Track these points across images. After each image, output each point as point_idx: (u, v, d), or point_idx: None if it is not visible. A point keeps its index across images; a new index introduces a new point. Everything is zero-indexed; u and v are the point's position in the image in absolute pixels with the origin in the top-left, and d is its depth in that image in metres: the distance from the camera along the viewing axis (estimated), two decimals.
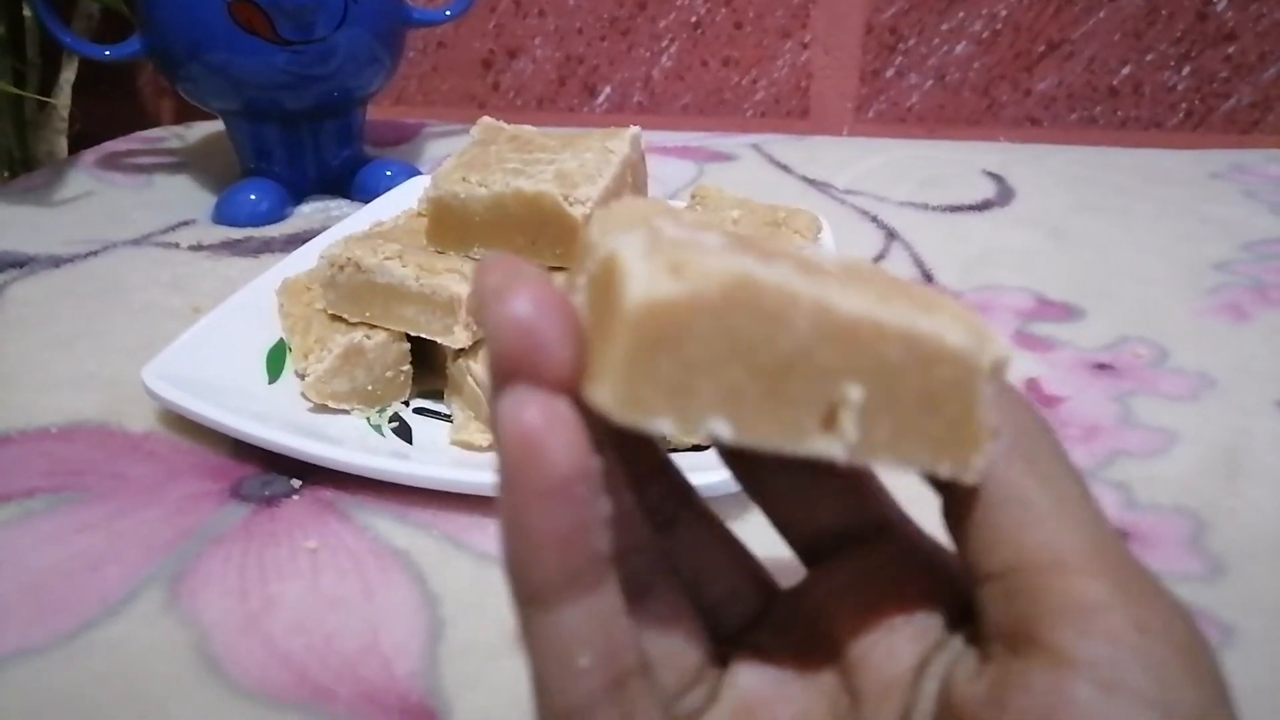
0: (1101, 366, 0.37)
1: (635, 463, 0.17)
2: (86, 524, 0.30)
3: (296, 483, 0.32)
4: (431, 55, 0.71)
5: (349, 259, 0.34)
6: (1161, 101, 0.67)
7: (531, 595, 0.13)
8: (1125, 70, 0.67)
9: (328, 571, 0.28)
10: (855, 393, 0.13)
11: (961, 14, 0.67)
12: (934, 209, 0.52)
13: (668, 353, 0.12)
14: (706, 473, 0.22)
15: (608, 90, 0.72)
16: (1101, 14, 0.66)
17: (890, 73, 0.69)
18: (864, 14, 0.68)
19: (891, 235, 0.49)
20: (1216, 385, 0.36)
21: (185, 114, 0.70)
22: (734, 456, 0.18)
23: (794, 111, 0.71)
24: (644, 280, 0.12)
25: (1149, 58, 0.66)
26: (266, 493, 0.31)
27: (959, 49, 0.68)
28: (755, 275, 0.12)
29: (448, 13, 0.55)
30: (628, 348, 0.12)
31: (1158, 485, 0.31)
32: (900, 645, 0.16)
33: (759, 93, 0.71)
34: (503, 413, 0.13)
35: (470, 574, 0.28)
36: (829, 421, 0.13)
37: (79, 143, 0.64)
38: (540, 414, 0.12)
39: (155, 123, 0.71)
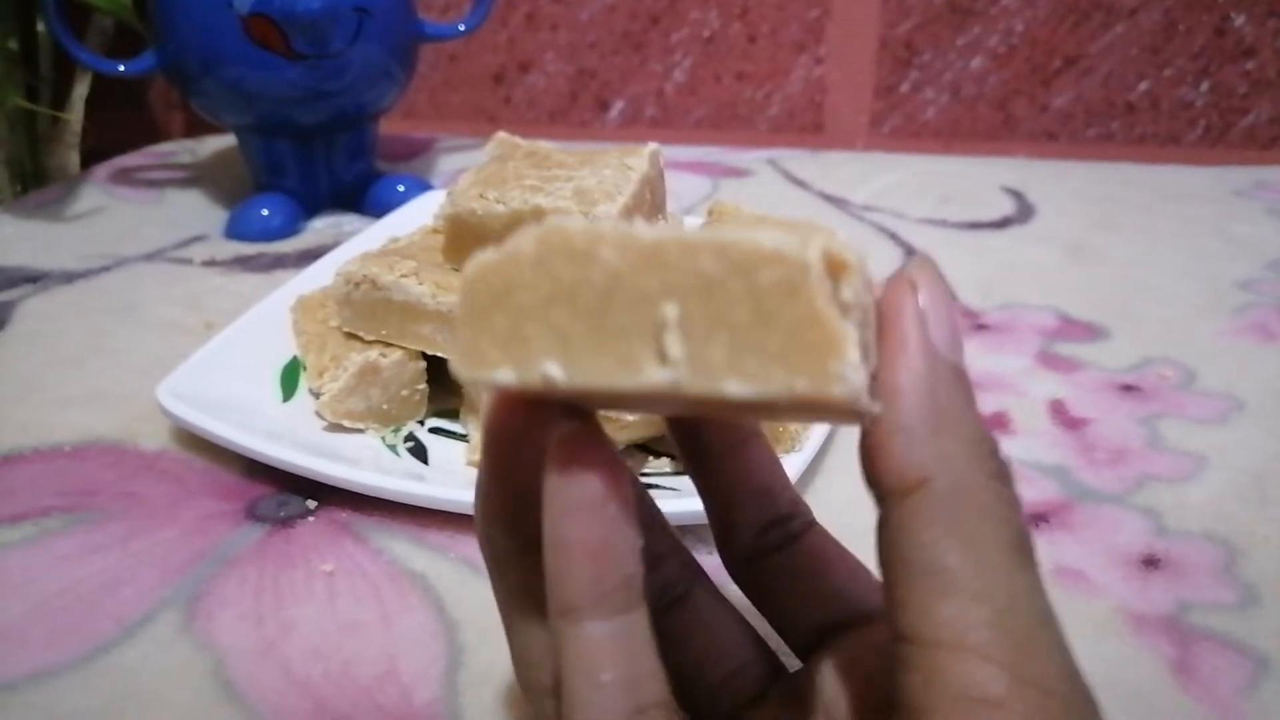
0: (1128, 388, 0.37)
1: (651, 538, 0.17)
2: (101, 545, 0.29)
3: (312, 503, 0.31)
4: (443, 69, 0.71)
5: (365, 276, 0.34)
6: (1179, 117, 0.67)
7: (564, 608, 0.14)
8: (1143, 86, 0.67)
9: (344, 595, 0.27)
10: (671, 311, 0.12)
11: (977, 29, 0.67)
12: (953, 226, 0.52)
13: (498, 307, 0.13)
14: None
15: (620, 104, 0.72)
16: (1119, 29, 0.65)
17: (905, 87, 0.69)
18: (878, 28, 0.67)
19: (910, 252, 0.49)
20: (1245, 408, 0.35)
21: (196, 128, 0.70)
22: (740, 569, 0.19)
23: (808, 126, 0.71)
24: (479, 255, 0.14)
25: (1167, 73, 0.66)
26: (282, 514, 0.31)
27: (974, 64, 0.68)
28: (564, 223, 0.13)
29: (461, 27, 0.55)
30: (465, 310, 0.14)
31: (1188, 511, 0.30)
32: None
33: (773, 107, 0.71)
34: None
35: (489, 599, 0.27)
36: (660, 352, 0.13)
37: (91, 157, 0.64)
38: (577, 440, 0.14)
39: (166, 136, 0.71)
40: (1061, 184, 0.57)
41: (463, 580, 0.28)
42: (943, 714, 0.12)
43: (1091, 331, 0.41)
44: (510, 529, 0.16)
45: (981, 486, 0.13)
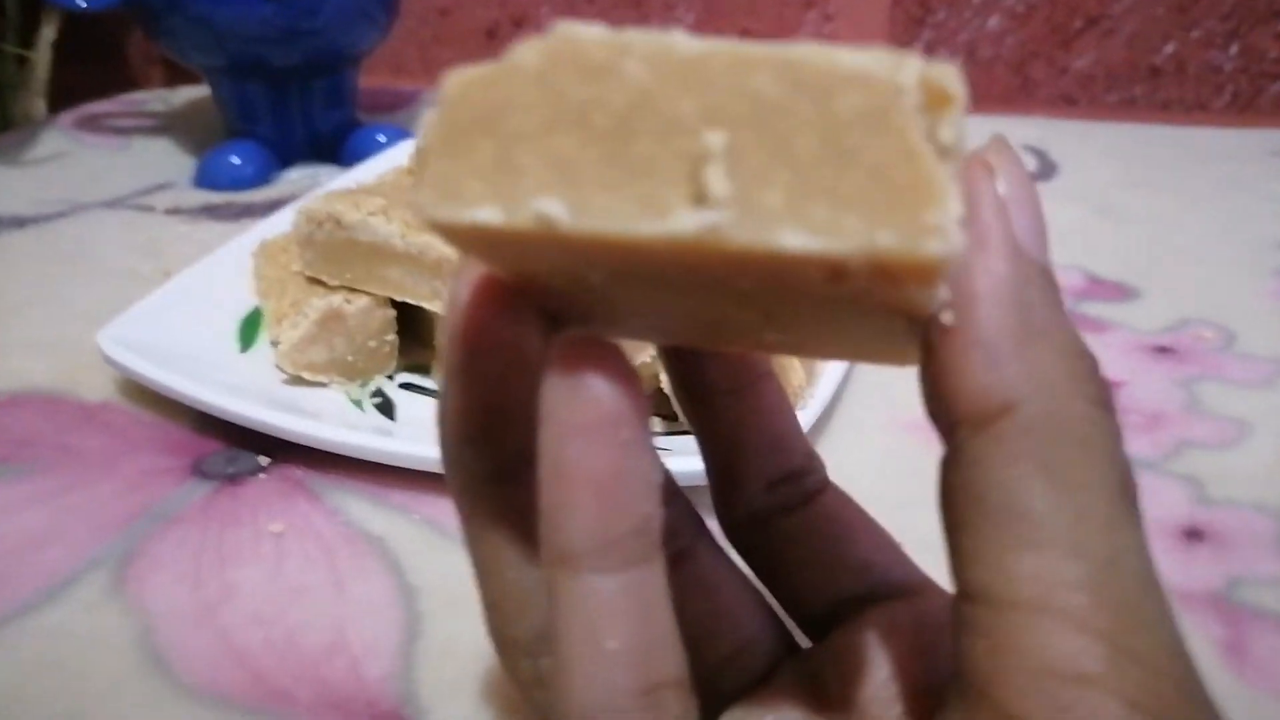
0: (1162, 350, 0.34)
1: None
2: (30, 498, 0.27)
3: (264, 460, 0.28)
4: (433, 24, 0.68)
5: (329, 214, 0.31)
6: (1207, 82, 0.64)
7: (562, 554, 0.11)
8: (1169, 48, 0.63)
9: (293, 558, 0.25)
10: (717, 140, 0.09)
11: None
12: None
13: (485, 132, 0.10)
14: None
15: None
16: None
17: (918, 47, 0.66)
18: None
19: None
20: None
21: (175, 80, 0.67)
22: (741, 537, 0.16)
23: None
24: (464, 68, 0.10)
25: (1194, 35, 0.63)
26: (230, 470, 0.28)
27: (991, 23, 0.64)
28: (578, 31, 0.10)
29: None
30: (440, 134, 0.10)
31: (1232, 480, 0.27)
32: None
33: None
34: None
35: (454, 564, 0.24)
36: (699, 191, 0.10)
37: (62, 109, 0.60)
38: (584, 344, 0.11)
39: (143, 89, 0.68)
40: (1085, 143, 0.54)
41: (426, 543, 0.25)
42: (1018, 690, 0.10)
43: (1122, 291, 0.38)
44: (484, 451, 0.13)
45: (1080, 414, 0.11)
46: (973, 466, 0.11)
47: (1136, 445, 0.29)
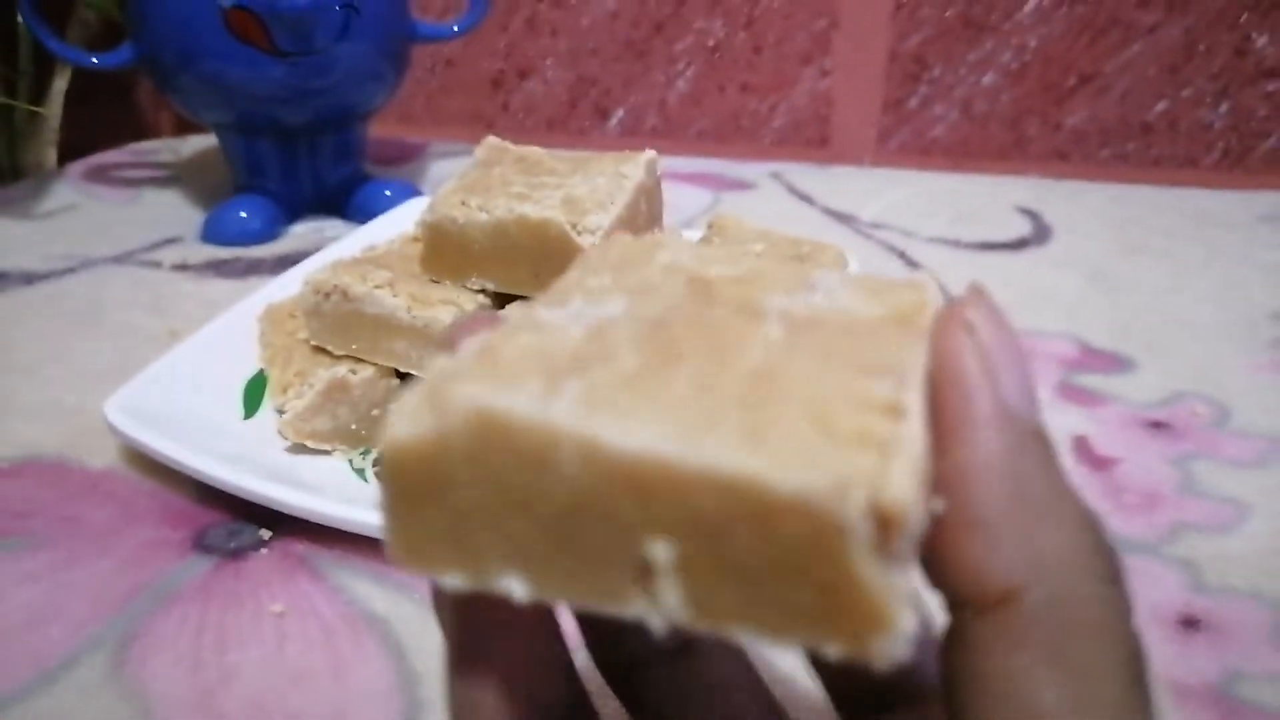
0: (1157, 425, 0.34)
1: None
2: (29, 574, 0.27)
3: (266, 533, 0.28)
4: (440, 74, 0.69)
5: (335, 286, 0.31)
6: (1198, 139, 0.65)
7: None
8: (1160, 106, 0.64)
9: (294, 640, 0.25)
10: (663, 552, 0.10)
11: (990, 44, 0.65)
12: (966, 246, 0.49)
13: (433, 502, 0.10)
14: None
15: (621, 113, 0.69)
16: (1136, 47, 0.63)
17: (914, 102, 0.67)
18: (888, 41, 0.65)
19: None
20: None
21: (185, 127, 0.68)
22: None
23: (813, 140, 0.69)
24: (402, 416, 0.10)
25: (1185, 93, 0.64)
26: (232, 545, 0.28)
27: (986, 80, 0.66)
28: (500, 408, 0.10)
29: (455, 28, 0.53)
30: (389, 496, 0.11)
31: (1229, 565, 0.27)
32: None
33: (778, 119, 0.69)
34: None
35: None
36: (651, 591, 0.10)
37: (72, 156, 0.61)
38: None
39: (153, 136, 0.69)
40: (1079, 205, 0.55)
41: (428, 626, 0.25)
42: None
43: (1116, 362, 0.38)
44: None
45: (1088, 595, 0.10)
46: (977, 651, 0.10)
47: (1132, 527, 0.29)
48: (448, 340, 0.12)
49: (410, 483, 0.10)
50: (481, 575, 0.10)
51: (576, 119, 0.70)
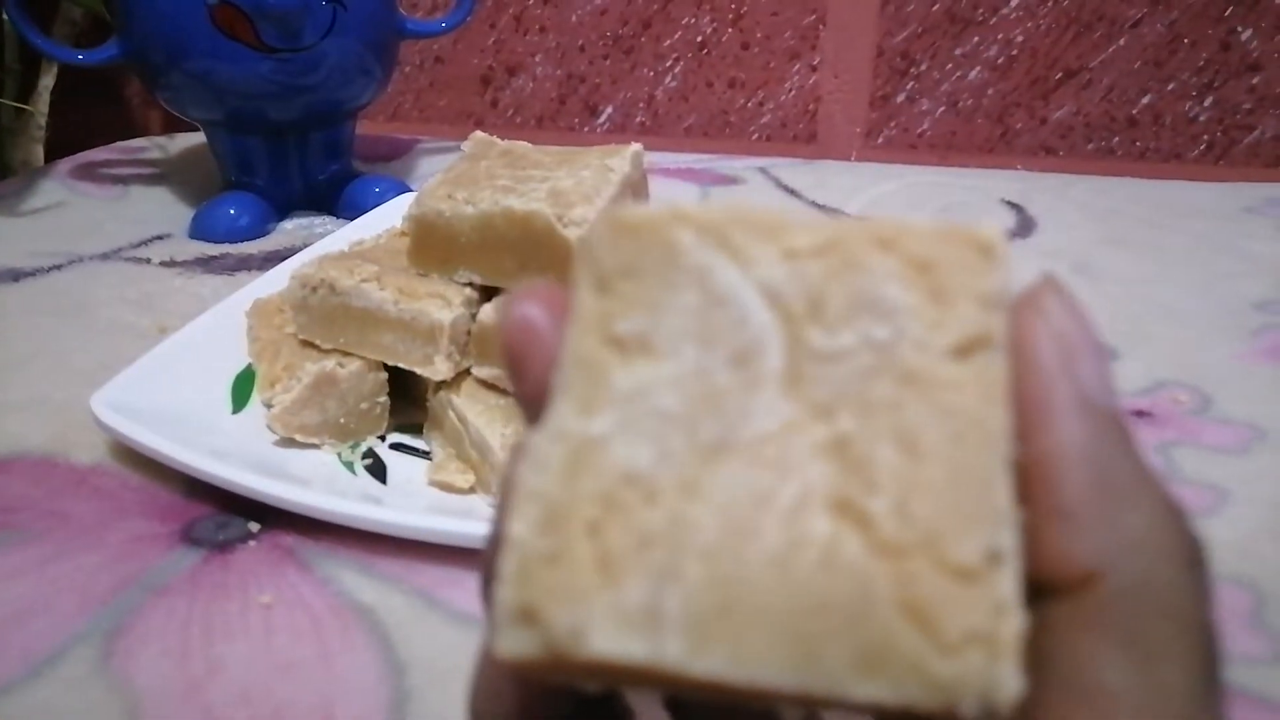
0: (1140, 414, 0.34)
1: None
2: (17, 569, 0.27)
3: (255, 526, 0.28)
4: (429, 71, 0.69)
5: (322, 280, 0.31)
6: (1182, 133, 0.65)
7: None
8: (1145, 100, 0.65)
9: (282, 631, 0.25)
10: None
11: (976, 39, 0.65)
12: None
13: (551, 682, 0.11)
14: None
15: (609, 110, 0.70)
16: (1122, 41, 0.64)
17: (901, 98, 0.67)
18: (875, 37, 0.66)
19: None
20: (1267, 437, 0.33)
21: (174, 125, 0.67)
22: None
23: (800, 136, 0.69)
24: (503, 630, 0.10)
25: (1170, 87, 0.64)
26: (220, 537, 0.28)
27: (973, 75, 0.66)
28: (613, 653, 0.10)
29: (443, 24, 0.53)
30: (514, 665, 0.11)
31: (1210, 550, 0.28)
32: None
33: (765, 115, 0.69)
34: None
35: (444, 638, 0.25)
36: None
37: (60, 153, 0.61)
38: None
39: (142, 133, 0.69)
40: (1064, 198, 0.55)
41: (416, 615, 0.25)
42: None
43: None
44: None
45: (1167, 581, 0.10)
46: (1048, 632, 0.10)
47: None
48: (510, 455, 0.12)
49: (527, 674, 0.11)
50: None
51: (565, 115, 0.70)
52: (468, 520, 0.27)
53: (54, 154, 0.61)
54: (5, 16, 0.59)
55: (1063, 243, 0.49)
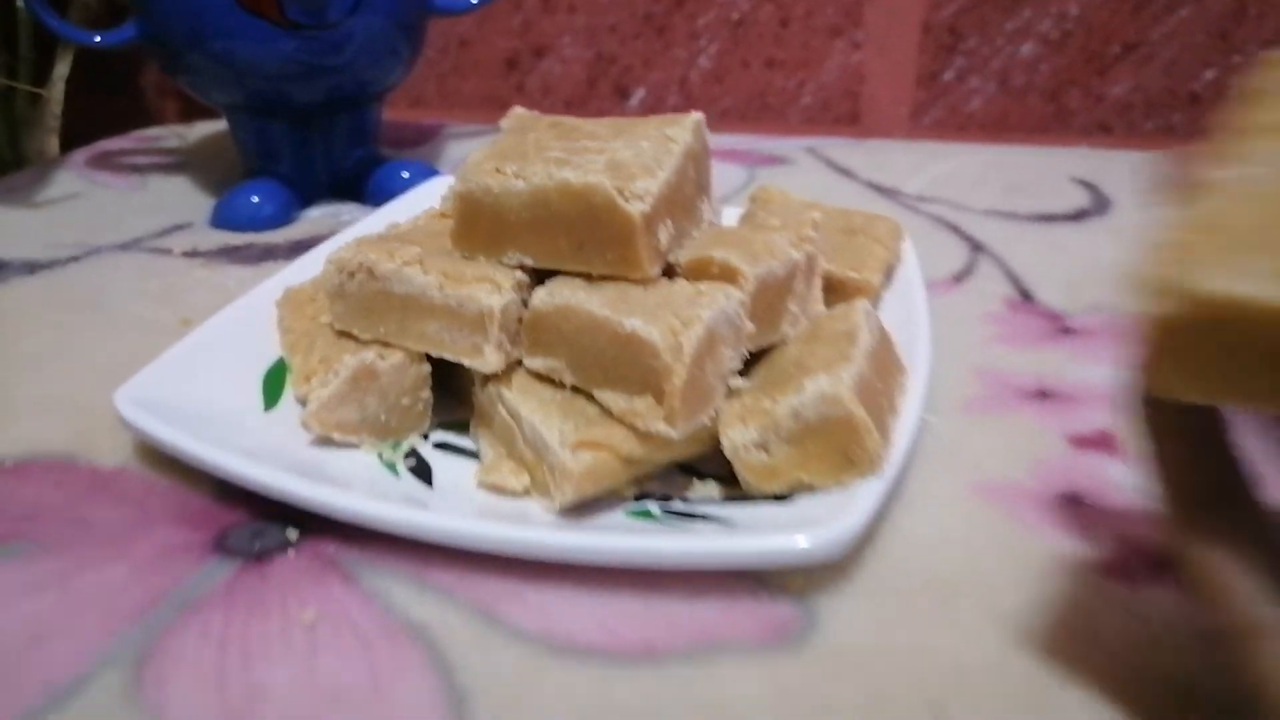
0: None
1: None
2: (34, 584, 0.24)
3: (293, 533, 0.26)
4: (453, 54, 0.67)
5: (360, 264, 0.29)
6: None
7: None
8: (1208, 74, 0.61)
9: (327, 653, 0.22)
10: None
11: (1028, 13, 0.62)
12: (1024, 218, 0.47)
13: (1183, 354, 0.15)
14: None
15: (641, 93, 0.67)
16: (1183, 12, 0.60)
17: (949, 76, 0.64)
18: (921, 12, 0.63)
19: (978, 248, 0.44)
20: None
21: (189, 114, 0.65)
22: None
23: (843, 117, 0.66)
24: (1153, 290, 0.15)
25: (1235, 60, 0.61)
26: (256, 547, 0.26)
27: (1025, 50, 0.63)
28: (1242, 295, 0.14)
29: (474, 0, 0.50)
30: (1153, 345, 0.15)
31: None
32: None
33: (805, 97, 0.66)
34: None
35: (509, 660, 0.22)
36: None
37: (75, 144, 0.59)
38: None
39: (158, 123, 0.67)
40: (1135, 175, 0.52)
41: (476, 634, 0.23)
42: None
43: None
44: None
45: None
46: None
47: None
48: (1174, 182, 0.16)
49: (1166, 340, 0.15)
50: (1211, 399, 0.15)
51: (595, 98, 0.67)
52: (527, 527, 0.25)
53: (69, 145, 0.59)
54: (19, 2, 0.57)
55: (1142, 222, 0.46)
